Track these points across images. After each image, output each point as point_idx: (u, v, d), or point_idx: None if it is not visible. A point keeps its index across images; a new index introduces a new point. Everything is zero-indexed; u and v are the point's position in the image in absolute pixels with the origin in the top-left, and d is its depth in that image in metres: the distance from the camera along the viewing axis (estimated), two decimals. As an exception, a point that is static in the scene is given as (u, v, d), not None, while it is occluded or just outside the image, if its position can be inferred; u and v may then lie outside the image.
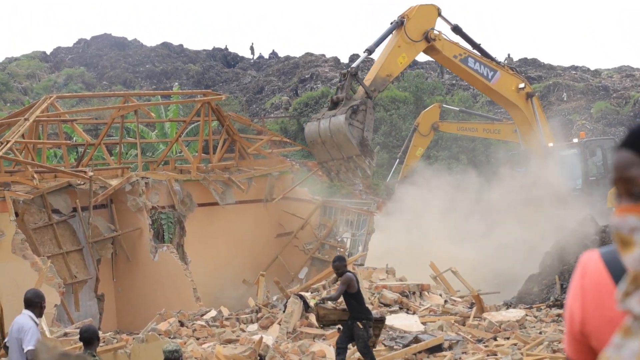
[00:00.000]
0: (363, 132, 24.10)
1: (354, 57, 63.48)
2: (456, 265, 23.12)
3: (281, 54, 77.71)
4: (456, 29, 27.66)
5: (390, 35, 26.14)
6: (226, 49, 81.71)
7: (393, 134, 47.43)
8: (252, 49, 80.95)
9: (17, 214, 21.18)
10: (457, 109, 39.04)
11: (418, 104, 49.76)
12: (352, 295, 13.84)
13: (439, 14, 26.81)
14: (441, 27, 27.07)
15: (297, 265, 26.45)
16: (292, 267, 26.26)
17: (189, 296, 22.07)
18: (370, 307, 16.43)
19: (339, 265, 14.05)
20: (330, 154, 24.51)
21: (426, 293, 21.03)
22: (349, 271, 14.14)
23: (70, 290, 22.34)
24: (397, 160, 35.90)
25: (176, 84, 61.51)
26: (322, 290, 19.56)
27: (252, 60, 79.39)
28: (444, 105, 37.08)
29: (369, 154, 24.23)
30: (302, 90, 61.80)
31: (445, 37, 26.97)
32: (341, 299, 14.01)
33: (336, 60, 69.13)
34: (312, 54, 71.41)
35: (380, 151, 38.20)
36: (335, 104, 24.90)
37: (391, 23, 26.02)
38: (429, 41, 26.47)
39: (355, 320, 13.82)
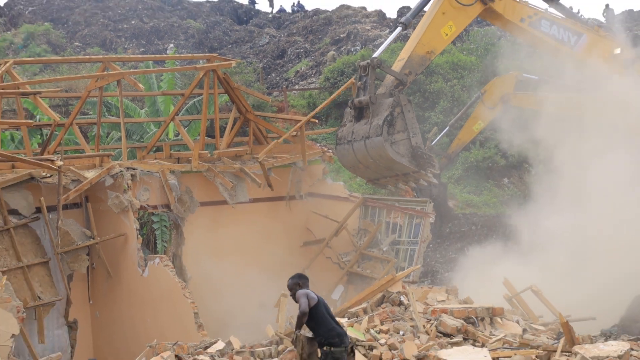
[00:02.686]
0: (410, 142, 24.35)
1: (403, 11, 62.83)
2: (541, 280, 22.50)
3: (308, 7, 78.23)
4: None
5: (432, 1, 25.73)
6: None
7: (455, 110, 44.64)
8: (270, 0, 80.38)
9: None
10: (536, 77, 35.93)
11: (487, 71, 47.22)
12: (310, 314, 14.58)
13: None
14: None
15: (330, 282, 26.41)
16: (324, 285, 26.01)
17: (189, 323, 21.58)
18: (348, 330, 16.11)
19: (292, 285, 14.90)
20: (380, 173, 24.91)
21: (499, 320, 20.23)
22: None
23: (33, 316, 21.86)
24: (447, 128, 36.21)
25: (171, 45, 61.10)
26: (362, 315, 19.37)
27: (270, 15, 78.81)
28: (525, 75, 35.54)
29: (428, 164, 24.43)
30: (337, 53, 60.39)
31: None
32: None
33: (380, 14, 68.35)
34: (348, 7, 71.08)
35: (437, 133, 37.77)
36: (360, 111, 25.05)
37: None
38: (485, 2, 26.04)
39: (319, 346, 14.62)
